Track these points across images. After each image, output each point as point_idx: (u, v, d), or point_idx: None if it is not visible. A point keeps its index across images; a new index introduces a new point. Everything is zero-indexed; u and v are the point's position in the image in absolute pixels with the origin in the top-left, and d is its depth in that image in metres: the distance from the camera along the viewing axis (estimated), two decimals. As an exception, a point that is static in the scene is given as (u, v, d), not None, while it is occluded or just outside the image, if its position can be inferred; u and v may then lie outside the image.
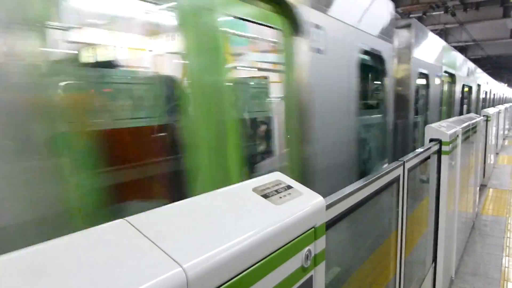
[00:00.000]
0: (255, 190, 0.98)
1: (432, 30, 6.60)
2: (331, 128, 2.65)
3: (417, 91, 5.13)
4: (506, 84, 32.14)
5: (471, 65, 10.36)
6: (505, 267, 3.98)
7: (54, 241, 0.63)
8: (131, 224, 0.70)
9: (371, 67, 3.68)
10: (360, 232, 1.91)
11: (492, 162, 8.64)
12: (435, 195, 2.95)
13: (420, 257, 2.89)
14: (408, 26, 4.58)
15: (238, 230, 0.78)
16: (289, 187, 1.05)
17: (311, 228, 0.98)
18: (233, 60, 2.08)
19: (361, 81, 3.11)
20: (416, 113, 5.20)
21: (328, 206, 1.14)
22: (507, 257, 4.19)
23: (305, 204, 1.00)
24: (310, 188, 1.07)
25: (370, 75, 3.90)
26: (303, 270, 0.95)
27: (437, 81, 6.05)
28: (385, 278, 2.05)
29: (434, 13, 13.03)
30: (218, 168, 1.78)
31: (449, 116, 7.09)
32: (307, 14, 2.29)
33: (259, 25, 2.12)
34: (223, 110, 1.81)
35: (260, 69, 2.78)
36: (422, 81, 5.45)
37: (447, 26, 15.44)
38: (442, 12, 12.72)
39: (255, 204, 0.92)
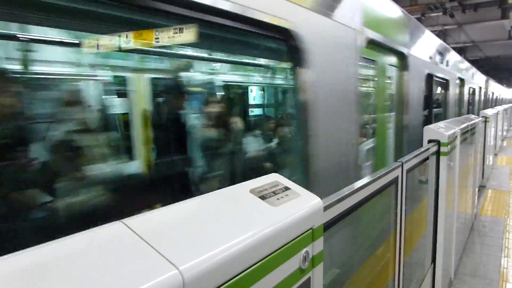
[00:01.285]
0: (252, 191, 0.98)
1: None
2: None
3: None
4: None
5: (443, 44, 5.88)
6: (504, 268, 3.98)
7: (51, 243, 0.63)
8: (128, 226, 0.70)
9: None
10: (358, 234, 1.90)
11: (491, 163, 8.65)
12: (434, 196, 2.95)
13: (419, 258, 2.89)
14: None
15: (235, 232, 0.78)
16: (286, 188, 1.05)
17: (309, 230, 0.98)
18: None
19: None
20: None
21: (326, 208, 1.13)
22: (505, 258, 4.19)
23: (303, 205, 0.99)
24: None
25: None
26: (301, 271, 0.94)
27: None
28: (384, 279, 2.05)
29: (432, 15, 13.07)
30: None
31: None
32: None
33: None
34: None
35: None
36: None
37: (446, 27, 15.48)
38: (441, 13, 12.76)
39: (253, 205, 0.92)
